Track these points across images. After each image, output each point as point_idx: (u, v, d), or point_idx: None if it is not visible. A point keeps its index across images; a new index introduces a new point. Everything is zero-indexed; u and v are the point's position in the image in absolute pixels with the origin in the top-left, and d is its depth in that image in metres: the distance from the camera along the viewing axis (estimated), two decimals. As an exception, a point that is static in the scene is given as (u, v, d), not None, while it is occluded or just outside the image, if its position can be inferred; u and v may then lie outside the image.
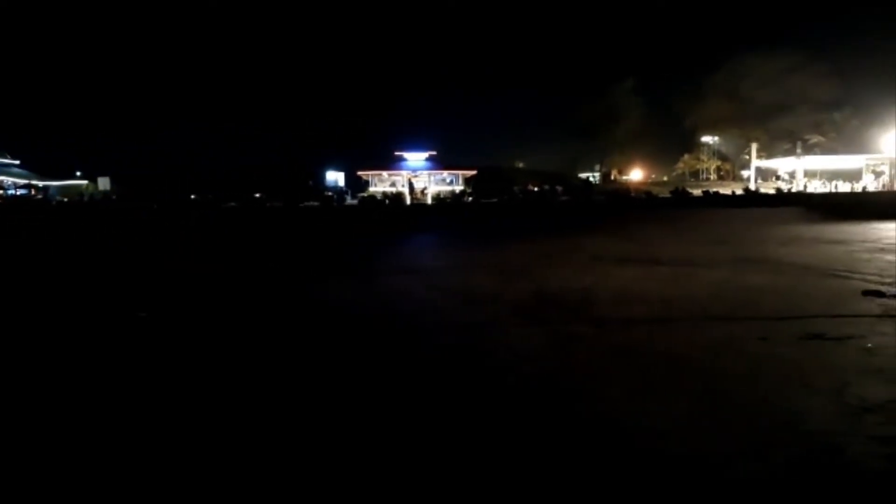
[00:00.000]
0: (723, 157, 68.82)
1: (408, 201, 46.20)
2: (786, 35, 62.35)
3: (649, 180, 65.66)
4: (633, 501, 2.61)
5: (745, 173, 59.90)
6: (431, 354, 4.97)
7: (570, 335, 5.50)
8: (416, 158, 57.95)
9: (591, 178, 69.78)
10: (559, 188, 50.09)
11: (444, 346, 5.25)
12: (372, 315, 6.71)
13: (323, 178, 61.58)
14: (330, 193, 50.46)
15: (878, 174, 51.41)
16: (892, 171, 50.13)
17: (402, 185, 53.69)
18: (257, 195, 47.27)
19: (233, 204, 40.09)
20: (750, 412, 3.52)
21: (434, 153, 58.36)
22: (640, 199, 36.24)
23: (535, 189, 52.01)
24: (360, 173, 59.60)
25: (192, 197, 47.19)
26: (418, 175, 56.80)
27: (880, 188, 47.04)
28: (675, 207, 27.19)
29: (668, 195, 37.10)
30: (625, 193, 43.61)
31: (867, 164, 52.16)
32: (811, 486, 2.64)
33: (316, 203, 41.17)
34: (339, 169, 63.12)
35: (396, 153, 58.12)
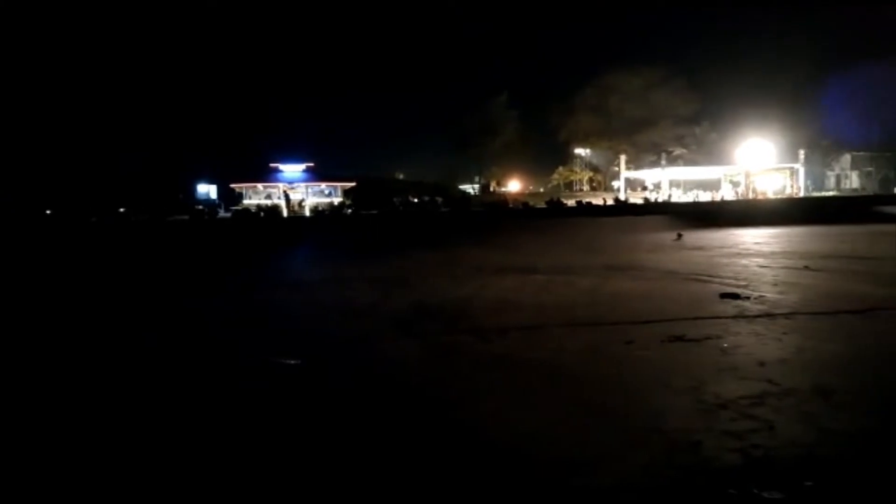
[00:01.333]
0: (595, 169, 72.22)
1: (285, 214, 45.26)
2: (649, 53, 66.38)
3: (527, 191, 67.82)
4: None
5: (615, 184, 63.14)
6: (303, 372, 4.83)
7: (448, 346, 5.52)
8: (292, 170, 56.98)
9: (471, 190, 71.20)
10: (439, 199, 50.69)
11: (320, 359, 5.13)
12: (240, 333, 6.47)
13: (194, 190, 59.31)
14: (201, 207, 48.59)
15: (734, 184, 55.67)
16: (747, 182, 54.42)
17: (279, 198, 52.61)
18: (122, 209, 44.74)
19: (94, 219, 37.68)
20: (615, 414, 3.65)
21: (311, 165, 57.62)
22: (518, 210, 37.27)
23: (416, 200, 52.37)
24: (233, 186, 57.87)
25: (48, 212, 43.97)
26: (295, 187, 55.89)
27: (737, 197, 50.89)
28: (550, 217, 28.15)
29: (544, 206, 38.38)
30: (503, 204, 44.73)
31: (725, 175, 56.39)
32: (669, 483, 2.76)
33: (186, 217, 39.47)
34: (211, 181, 61.00)
35: (272, 165, 56.89)
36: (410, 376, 4.63)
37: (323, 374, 4.76)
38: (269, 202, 51.84)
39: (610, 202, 41.86)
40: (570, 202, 38.96)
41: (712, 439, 3.16)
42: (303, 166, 56.88)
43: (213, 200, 57.14)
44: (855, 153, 67.09)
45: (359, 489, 2.82)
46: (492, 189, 71.27)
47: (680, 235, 18.02)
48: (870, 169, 67.36)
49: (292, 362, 3.83)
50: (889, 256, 11.72)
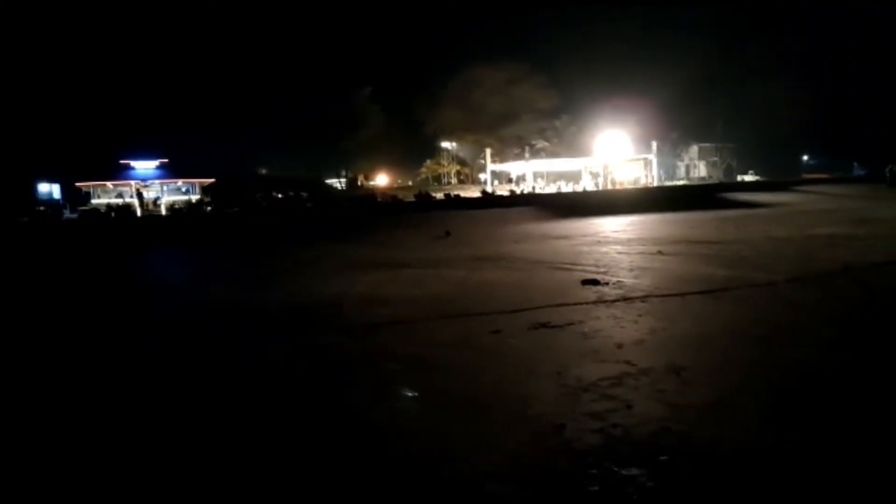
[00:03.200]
0: (462, 162, 73.43)
1: (138, 213, 42.82)
2: (510, 49, 68.15)
3: (395, 185, 67.98)
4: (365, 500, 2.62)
5: (482, 176, 64.53)
6: (168, 375, 4.59)
7: (315, 345, 5.44)
8: (145, 167, 53.97)
9: (337, 184, 70.38)
10: (304, 194, 49.71)
11: (186, 363, 4.90)
12: (97, 338, 6.06)
13: (34, 190, 54.82)
14: (42, 208, 44.98)
15: (594, 175, 58.48)
16: (605, 173, 57.33)
17: (131, 196, 49.72)
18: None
19: None
20: (482, 403, 3.73)
21: (166, 161, 54.82)
22: (387, 204, 37.23)
23: (280, 196, 51.08)
24: (79, 185, 54.02)
25: None
26: (149, 185, 53.00)
27: (597, 188, 53.49)
28: (419, 211, 28.36)
29: (412, 199, 38.60)
30: (371, 198, 44.55)
31: (585, 167, 59.10)
32: (535, 469, 2.85)
33: (25, 219, 36.41)
34: (53, 180, 56.55)
35: (123, 161, 53.63)
36: (275, 378, 4.52)
37: (194, 377, 4.55)
38: (120, 201, 48.80)
39: (477, 195, 42.75)
40: (439, 195, 39.35)
41: (575, 422, 3.30)
42: (156, 162, 53.98)
43: (57, 200, 53.02)
44: (701, 144, 72.44)
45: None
46: (359, 183, 70.83)
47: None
48: (715, 159, 72.98)
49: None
50: (732, 240, 12.73)
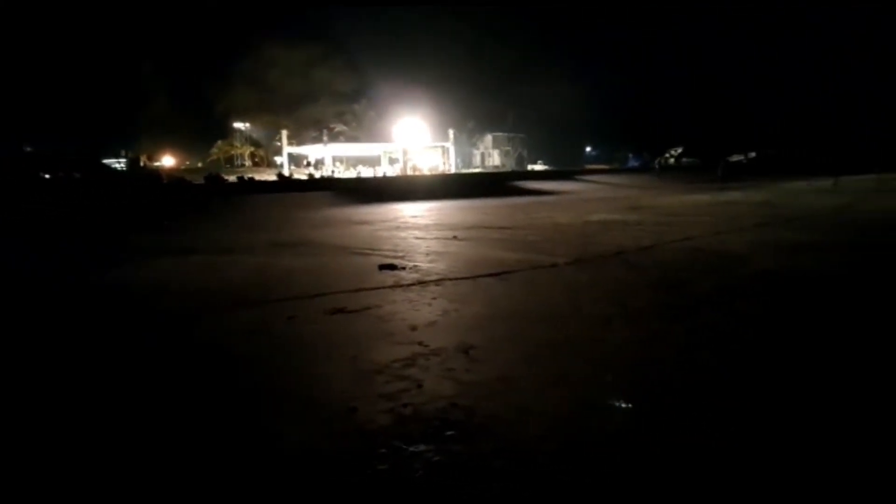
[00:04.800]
0: (256, 144, 71.17)
1: None
2: (305, 28, 67.02)
3: (183, 166, 64.29)
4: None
5: (278, 159, 63.02)
6: None
7: (83, 342, 5.05)
8: None
9: (117, 164, 65.16)
10: (77, 174, 45.46)
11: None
12: None
13: None
14: None
15: (393, 161, 59.37)
16: (405, 159, 58.43)
17: None
18: None
19: None
20: (273, 392, 3.69)
21: None
22: (174, 186, 35.13)
23: (48, 176, 46.30)
24: None
25: None
26: None
27: (397, 173, 54.37)
28: (210, 195, 27.10)
29: (202, 181, 36.76)
30: (156, 180, 41.80)
31: (385, 152, 59.83)
32: (325, 453, 2.90)
33: None
34: None
35: None
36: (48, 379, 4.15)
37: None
38: None
39: (273, 178, 41.72)
40: (231, 178, 37.86)
41: (367, 404, 3.38)
42: None
43: None
44: (495, 134, 76.26)
45: None
46: (142, 164, 66.14)
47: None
48: (508, 148, 77.20)
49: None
50: (521, 225, 13.59)
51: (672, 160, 69.18)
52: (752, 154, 74.92)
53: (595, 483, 2.54)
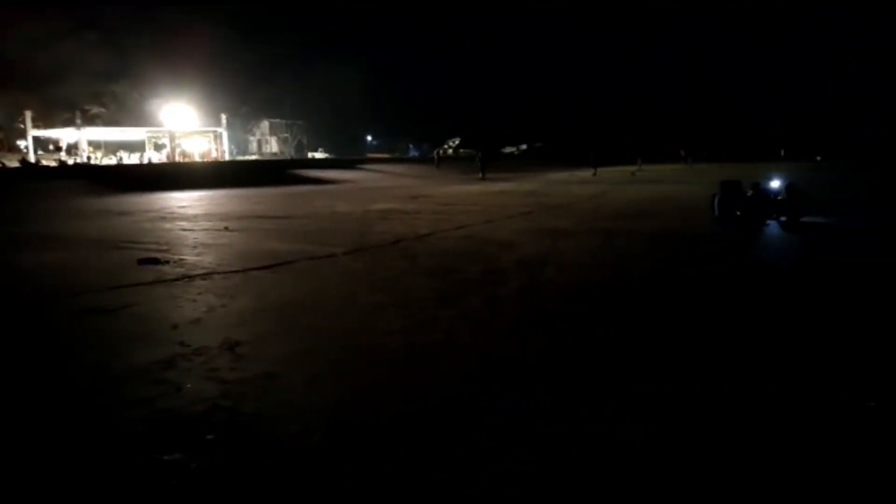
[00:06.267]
0: (-8, 126, 63.13)
1: None
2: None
3: None
4: None
5: (22, 143, 56.39)
6: None
7: None
8: None
9: None
10: None
11: None
12: None
13: None
14: None
15: (159, 147, 55.61)
16: (173, 145, 54.99)
17: None
18: None
19: None
20: (14, 406, 3.32)
21: None
22: None
23: None
24: None
25: None
26: None
27: (164, 160, 51.02)
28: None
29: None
30: None
31: (149, 137, 55.82)
32: (77, 475, 2.65)
33: None
34: None
35: None
36: None
37: None
38: None
39: (15, 165, 37.41)
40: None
41: (121, 413, 3.14)
42: None
43: None
44: (272, 120, 74.31)
45: None
46: None
47: None
48: (286, 135, 75.58)
49: None
50: (299, 215, 13.40)
51: (450, 151, 71.94)
52: (524, 146, 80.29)
53: (360, 477, 2.56)
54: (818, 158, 44.97)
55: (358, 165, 43.85)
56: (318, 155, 68.55)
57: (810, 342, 4.14)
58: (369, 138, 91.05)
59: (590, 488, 2.42)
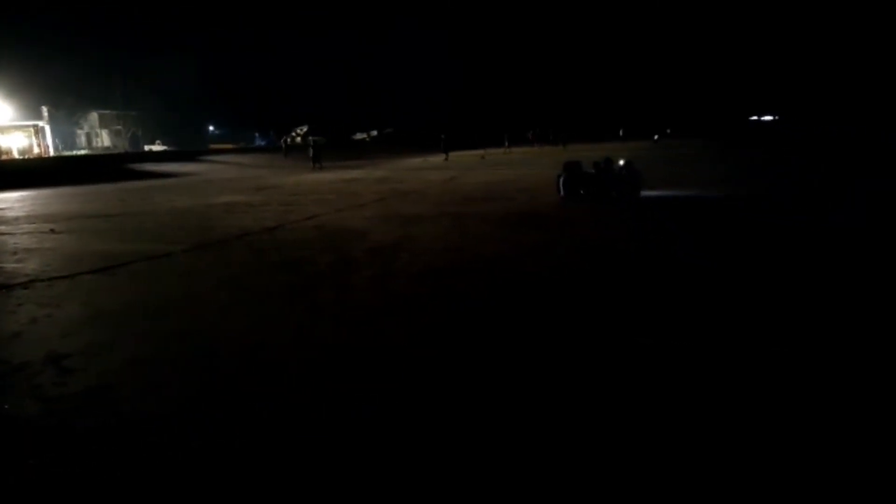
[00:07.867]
0: None
1: None
2: None
3: None
4: None
5: None
6: None
7: None
8: None
9: None
10: None
11: None
12: None
13: None
14: None
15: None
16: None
17: None
18: None
19: None
20: None
21: None
22: None
23: None
24: None
25: None
26: None
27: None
28: None
29: None
30: None
31: (-43, 133, 50.72)
32: None
33: None
34: None
35: None
36: None
37: None
38: None
39: None
40: None
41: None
42: None
43: None
44: (102, 112, 69.62)
45: None
46: None
47: None
48: (119, 127, 71.07)
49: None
50: (135, 212, 12.65)
51: (298, 139, 70.51)
52: (374, 132, 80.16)
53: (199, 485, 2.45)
54: (655, 137, 47.81)
55: (200, 157, 42.07)
56: (157, 148, 65.00)
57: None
58: (212, 128, 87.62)
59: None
